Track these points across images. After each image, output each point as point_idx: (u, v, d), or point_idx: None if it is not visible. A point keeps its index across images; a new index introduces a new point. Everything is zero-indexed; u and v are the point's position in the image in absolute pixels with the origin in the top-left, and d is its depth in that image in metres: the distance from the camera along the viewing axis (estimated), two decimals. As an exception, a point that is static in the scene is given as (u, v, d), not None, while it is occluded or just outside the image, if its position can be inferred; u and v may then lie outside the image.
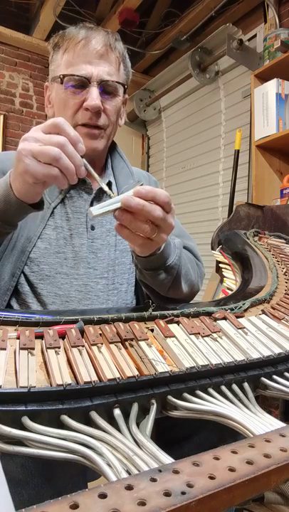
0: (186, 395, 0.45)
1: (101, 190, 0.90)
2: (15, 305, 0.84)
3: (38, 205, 0.68)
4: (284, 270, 0.94)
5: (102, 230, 0.89)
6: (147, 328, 0.57)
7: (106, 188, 0.65)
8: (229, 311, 0.65)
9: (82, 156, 0.61)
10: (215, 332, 0.56)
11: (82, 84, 0.81)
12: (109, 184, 0.92)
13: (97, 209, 0.57)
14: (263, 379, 0.51)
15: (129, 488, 0.26)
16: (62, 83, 0.82)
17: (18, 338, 0.46)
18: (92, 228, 0.88)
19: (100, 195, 0.89)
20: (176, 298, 0.82)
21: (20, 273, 0.82)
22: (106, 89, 0.83)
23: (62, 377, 0.40)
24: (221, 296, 0.89)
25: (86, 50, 0.81)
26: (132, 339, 0.50)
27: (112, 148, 0.98)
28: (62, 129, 0.59)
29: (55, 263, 0.84)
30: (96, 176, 0.66)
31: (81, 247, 0.86)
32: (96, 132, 0.84)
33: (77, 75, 0.80)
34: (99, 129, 0.84)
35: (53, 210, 0.86)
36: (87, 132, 0.83)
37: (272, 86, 2.04)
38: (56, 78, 0.83)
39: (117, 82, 0.84)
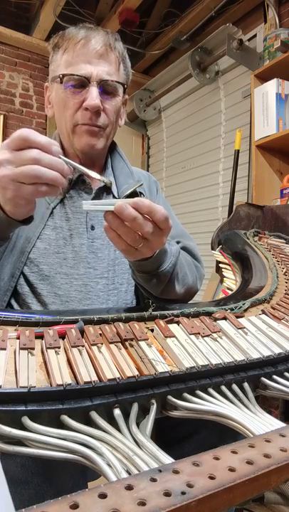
0: (186, 395, 0.45)
1: (101, 190, 0.90)
2: (15, 305, 0.84)
3: (29, 218, 0.67)
4: (284, 270, 0.94)
5: (102, 229, 0.89)
6: (147, 328, 0.57)
7: (94, 175, 0.65)
8: (229, 311, 0.65)
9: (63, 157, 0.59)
10: (215, 332, 0.56)
11: (82, 84, 0.81)
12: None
13: (90, 204, 0.57)
14: (263, 379, 0.51)
15: (129, 488, 0.26)
16: (61, 83, 0.82)
17: (18, 338, 0.46)
18: (92, 228, 0.87)
19: (99, 195, 0.89)
20: (171, 298, 0.82)
21: (20, 273, 0.82)
22: (106, 89, 0.83)
23: (62, 377, 0.40)
24: (221, 296, 0.89)
25: (86, 50, 0.80)
26: (132, 339, 0.50)
27: (112, 148, 0.98)
28: (32, 141, 0.56)
29: (54, 263, 0.83)
30: (79, 166, 0.64)
31: (81, 247, 0.86)
32: (96, 130, 0.83)
33: (77, 75, 0.80)
34: (99, 127, 0.84)
35: (52, 210, 0.86)
36: (87, 129, 0.83)
37: (272, 86, 2.04)
38: (56, 78, 0.83)
39: (116, 81, 0.83)
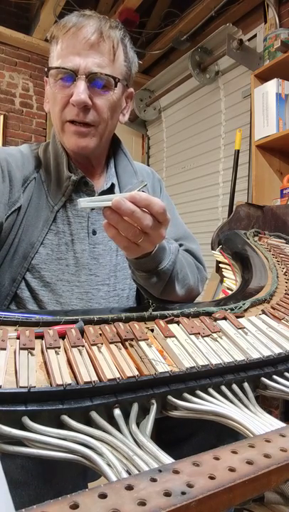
0: (186, 395, 0.45)
1: (104, 193, 0.86)
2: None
3: None
4: (284, 270, 0.94)
5: (104, 234, 0.83)
6: (147, 328, 0.57)
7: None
8: (229, 311, 0.65)
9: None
10: (215, 332, 0.56)
11: (70, 77, 0.75)
12: (112, 186, 0.88)
13: (86, 202, 0.56)
14: (263, 379, 0.51)
15: (129, 488, 0.26)
16: (47, 77, 0.78)
17: (18, 338, 0.46)
18: (94, 233, 0.85)
19: None
20: (171, 300, 0.81)
21: (22, 279, 0.80)
22: (97, 83, 0.76)
23: (62, 377, 0.40)
24: (221, 296, 0.89)
25: (75, 40, 0.74)
26: (132, 339, 0.50)
27: (116, 146, 0.94)
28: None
29: (56, 270, 0.81)
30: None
31: (82, 253, 0.83)
32: (84, 130, 0.78)
33: (63, 68, 0.75)
34: (88, 126, 0.78)
35: (56, 214, 0.83)
36: (75, 130, 0.78)
37: (272, 86, 2.04)
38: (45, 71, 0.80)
39: (107, 75, 0.76)
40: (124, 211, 0.55)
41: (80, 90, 0.74)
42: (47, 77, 0.79)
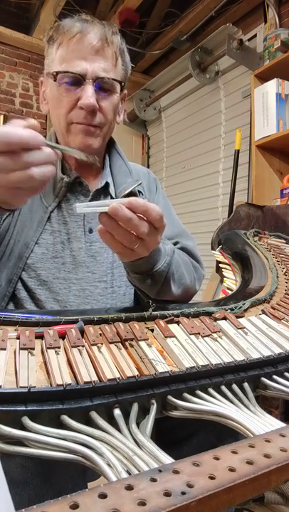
0: (186, 395, 0.45)
1: (98, 192, 0.88)
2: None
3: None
4: (284, 270, 0.94)
5: None
6: (147, 328, 0.57)
7: (78, 154, 0.67)
8: (229, 311, 0.65)
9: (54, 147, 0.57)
10: (215, 332, 0.56)
11: (77, 81, 0.78)
12: (106, 185, 0.89)
13: (83, 207, 0.55)
14: (263, 379, 0.51)
15: (129, 488, 0.26)
16: (55, 80, 0.79)
17: (18, 338, 0.46)
18: (90, 231, 0.86)
19: (97, 197, 0.87)
20: (168, 300, 0.81)
21: (18, 279, 0.81)
22: (102, 87, 0.79)
23: (62, 377, 0.40)
24: (221, 296, 0.89)
25: (81, 46, 0.77)
26: (132, 339, 0.50)
27: (110, 146, 0.95)
28: (16, 142, 0.51)
29: (52, 268, 0.82)
30: (65, 148, 0.61)
31: (79, 250, 0.84)
32: (92, 129, 0.80)
33: (71, 72, 0.77)
34: (95, 127, 0.81)
35: (50, 214, 0.84)
36: (82, 128, 0.80)
37: (272, 86, 2.04)
38: (50, 74, 0.81)
39: (113, 79, 0.80)
40: (120, 217, 0.55)
41: (89, 94, 0.76)
42: (55, 80, 0.80)
